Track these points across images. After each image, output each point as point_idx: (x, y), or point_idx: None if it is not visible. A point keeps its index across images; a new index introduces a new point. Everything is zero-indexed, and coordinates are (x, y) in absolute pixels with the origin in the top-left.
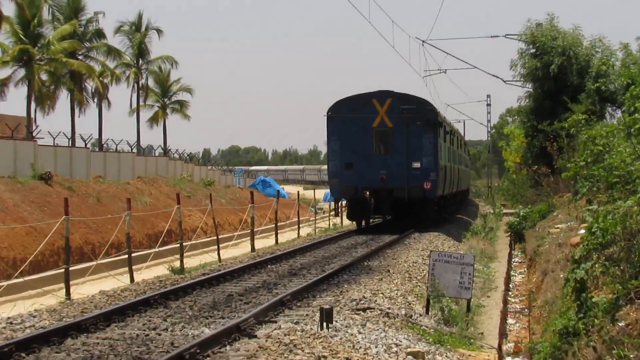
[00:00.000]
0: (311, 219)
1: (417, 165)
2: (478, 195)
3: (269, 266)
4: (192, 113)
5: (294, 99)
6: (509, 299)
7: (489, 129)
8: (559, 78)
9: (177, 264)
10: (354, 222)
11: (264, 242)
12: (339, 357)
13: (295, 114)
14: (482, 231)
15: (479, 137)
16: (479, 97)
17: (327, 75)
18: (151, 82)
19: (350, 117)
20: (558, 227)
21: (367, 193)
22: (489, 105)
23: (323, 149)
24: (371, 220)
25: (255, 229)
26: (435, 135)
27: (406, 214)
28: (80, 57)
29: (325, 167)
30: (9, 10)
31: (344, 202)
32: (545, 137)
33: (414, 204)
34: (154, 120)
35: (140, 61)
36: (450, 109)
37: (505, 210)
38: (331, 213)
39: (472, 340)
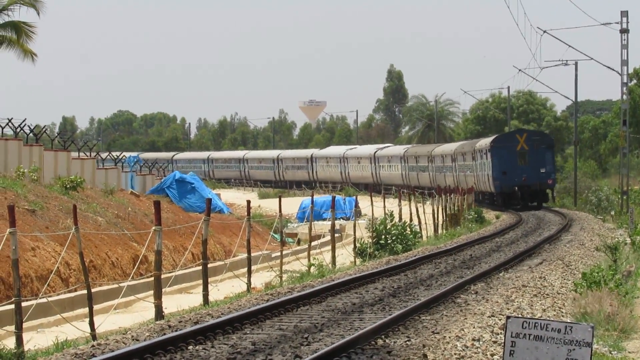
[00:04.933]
0: (275, 254)
1: (543, 170)
2: (600, 207)
3: (190, 348)
4: (39, 48)
5: (237, 35)
6: None
7: (626, 80)
8: None
9: (9, 342)
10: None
11: (181, 301)
12: None
13: (241, 62)
14: (608, 278)
15: (604, 94)
16: (604, 16)
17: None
18: None
19: (504, 145)
20: None
21: (516, 188)
22: (625, 32)
23: (297, 118)
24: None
25: (164, 275)
26: (552, 152)
27: (537, 198)
28: None
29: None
30: None
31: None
32: None
33: (541, 192)
34: None
35: None
36: (548, 38)
37: None
38: (309, 243)
39: None
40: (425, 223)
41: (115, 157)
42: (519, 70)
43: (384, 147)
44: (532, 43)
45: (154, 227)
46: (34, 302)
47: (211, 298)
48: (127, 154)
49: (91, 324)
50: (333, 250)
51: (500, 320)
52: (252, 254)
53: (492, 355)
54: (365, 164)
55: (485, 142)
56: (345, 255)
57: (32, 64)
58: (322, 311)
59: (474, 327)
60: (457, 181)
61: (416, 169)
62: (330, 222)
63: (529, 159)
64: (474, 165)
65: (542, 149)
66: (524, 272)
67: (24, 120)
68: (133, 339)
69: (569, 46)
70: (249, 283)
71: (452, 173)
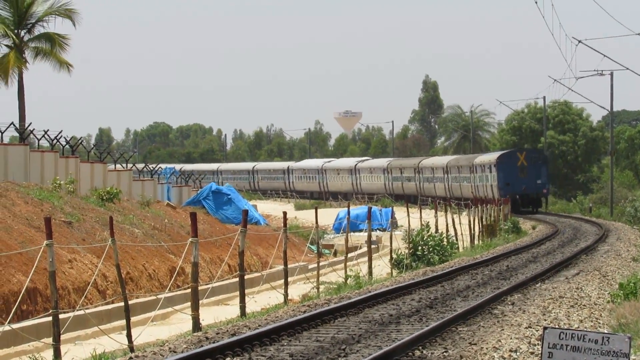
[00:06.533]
0: (312, 265)
1: (539, 181)
2: (637, 217)
3: (228, 359)
4: (75, 59)
5: (269, 45)
6: None
7: None
8: None
9: (47, 355)
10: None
11: (218, 312)
12: None
13: (277, 74)
14: None
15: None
16: (639, 26)
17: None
18: None
19: (507, 161)
20: None
21: (518, 196)
22: None
23: (333, 129)
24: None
25: (201, 287)
26: (547, 167)
27: (533, 204)
28: None
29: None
30: None
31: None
32: None
33: (537, 199)
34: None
35: None
36: (583, 48)
37: None
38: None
39: None
40: (462, 234)
41: (153, 168)
42: (555, 80)
43: (364, 160)
44: (567, 53)
45: (190, 239)
46: (71, 314)
47: (248, 310)
48: (164, 166)
49: (128, 336)
50: (370, 261)
51: (537, 331)
52: (289, 266)
53: None
54: (344, 175)
55: (488, 157)
56: (381, 267)
57: (68, 75)
58: (359, 322)
59: (511, 338)
60: (449, 190)
61: (401, 179)
62: (366, 233)
63: (527, 173)
64: (473, 177)
65: (538, 164)
66: (560, 283)
67: (60, 132)
68: (170, 351)
69: (605, 56)
70: (286, 294)
71: (443, 183)
